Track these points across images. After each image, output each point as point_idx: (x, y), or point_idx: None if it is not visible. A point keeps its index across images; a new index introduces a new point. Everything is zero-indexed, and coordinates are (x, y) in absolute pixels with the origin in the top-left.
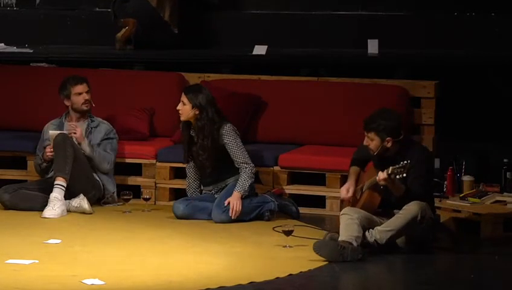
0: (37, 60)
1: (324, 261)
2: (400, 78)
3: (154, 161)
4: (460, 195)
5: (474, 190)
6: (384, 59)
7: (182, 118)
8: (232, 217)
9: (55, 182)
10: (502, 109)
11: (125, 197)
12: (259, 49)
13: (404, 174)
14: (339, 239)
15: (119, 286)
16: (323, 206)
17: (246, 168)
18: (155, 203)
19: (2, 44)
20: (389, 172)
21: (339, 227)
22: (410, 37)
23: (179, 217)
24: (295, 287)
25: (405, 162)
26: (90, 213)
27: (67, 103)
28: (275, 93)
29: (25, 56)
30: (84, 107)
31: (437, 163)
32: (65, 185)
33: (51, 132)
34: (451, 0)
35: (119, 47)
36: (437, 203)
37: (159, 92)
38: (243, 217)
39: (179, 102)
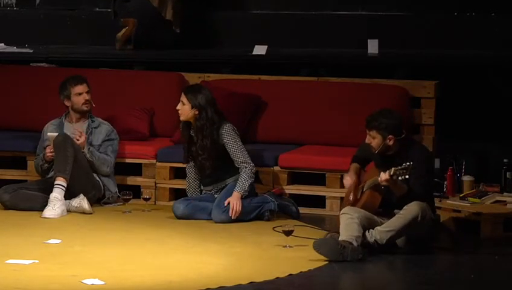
0: (37, 60)
1: (324, 260)
2: (399, 78)
3: (154, 161)
4: (460, 195)
5: (474, 190)
6: (384, 59)
7: (182, 118)
8: (232, 217)
9: (56, 182)
10: (502, 109)
11: (125, 197)
12: (259, 49)
13: (407, 176)
14: (339, 239)
15: (119, 286)
16: (323, 206)
17: (246, 167)
18: (155, 203)
19: (2, 44)
20: (391, 173)
21: (339, 226)
22: (410, 37)
23: (179, 217)
24: (295, 287)
25: (407, 163)
26: (90, 213)
27: (67, 103)
28: (275, 93)
29: (25, 56)
30: (85, 108)
31: (437, 163)
32: (65, 185)
33: (49, 133)
34: (451, 0)
35: (119, 47)
36: (437, 203)
37: (159, 92)
38: (243, 217)
39: (179, 102)
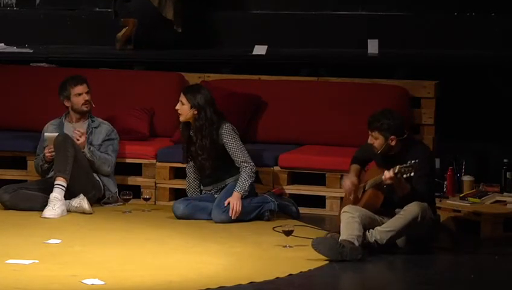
0: (37, 60)
1: (324, 260)
2: (399, 78)
3: (154, 161)
4: (460, 195)
5: (474, 190)
6: (384, 59)
7: (181, 118)
8: (232, 218)
9: (56, 182)
10: (502, 109)
11: (125, 197)
12: (259, 49)
13: (412, 174)
14: (340, 238)
15: (119, 286)
16: (323, 206)
17: (246, 167)
18: (155, 203)
19: (2, 44)
20: (396, 171)
21: (339, 225)
22: (410, 37)
23: (179, 217)
24: (295, 287)
25: (413, 161)
26: (90, 213)
27: (67, 104)
28: (275, 93)
29: (25, 56)
30: (84, 108)
31: (437, 163)
32: (65, 185)
33: (46, 134)
34: (451, 0)
35: (119, 47)
36: (437, 203)
37: (159, 92)
38: (243, 217)
39: (178, 102)
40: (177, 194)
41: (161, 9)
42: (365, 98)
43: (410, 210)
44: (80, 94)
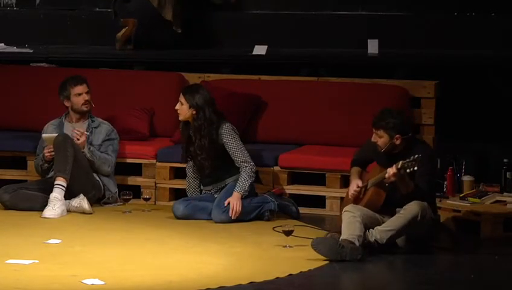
0: (37, 60)
1: (324, 260)
2: (399, 78)
3: (154, 161)
4: (460, 195)
5: (474, 190)
6: (384, 59)
7: (180, 118)
8: (232, 218)
9: (56, 182)
10: (502, 109)
11: (125, 197)
12: (259, 49)
13: (415, 168)
14: (341, 238)
15: (119, 286)
16: (323, 206)
17: (246, 167)
18: (155, 203)
19: (2, 44)
20: (399, 166)
21: (339, 224)
22: (410, 37)
23: (178, 218)
24: (295, 287)
25: (416, 155)
26: (90, 213)
27: (67, 104)
28: (275, 93)
29: (25, 56)
30: (84, 108)
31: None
32: (65, 185)
33: (44, 135)
34: (451, 0)
35: (119, 47)
36: (437, 203)
37: (159, 92)
38: (243, 217)
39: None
40: (177, 194)
41: (160, 10)
42: (365, 98)
43: (410, 209)
44: (79, 94)
